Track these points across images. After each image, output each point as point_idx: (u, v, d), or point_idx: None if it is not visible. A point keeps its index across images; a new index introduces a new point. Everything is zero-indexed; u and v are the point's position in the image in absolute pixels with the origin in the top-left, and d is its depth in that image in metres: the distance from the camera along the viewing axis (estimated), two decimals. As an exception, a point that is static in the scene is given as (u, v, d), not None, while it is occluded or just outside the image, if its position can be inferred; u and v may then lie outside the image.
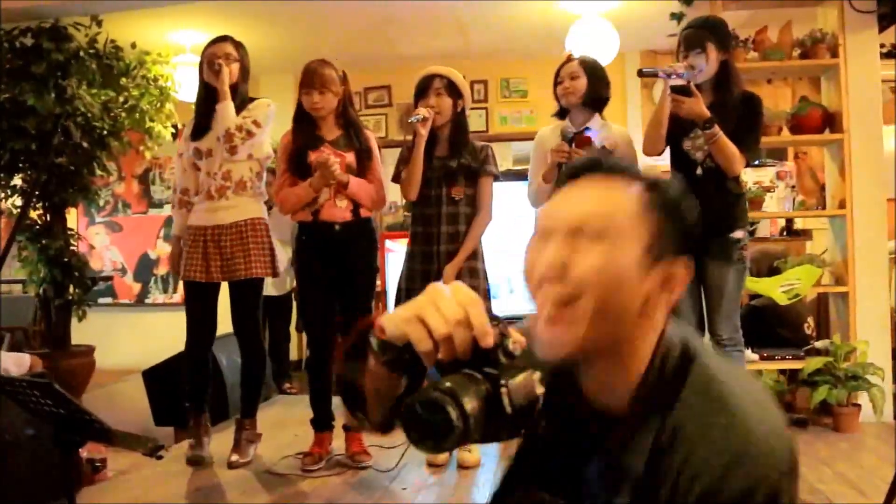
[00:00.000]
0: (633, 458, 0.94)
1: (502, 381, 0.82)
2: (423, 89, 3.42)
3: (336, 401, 3.56)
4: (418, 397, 0.80)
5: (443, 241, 3.40)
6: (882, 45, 4.38)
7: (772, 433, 0.90)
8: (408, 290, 3.47)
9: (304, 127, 3.47)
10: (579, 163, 1.04)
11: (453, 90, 3.43)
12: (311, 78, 3.38)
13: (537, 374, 0.85)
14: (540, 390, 0.85)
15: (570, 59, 3.46)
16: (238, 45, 3.54)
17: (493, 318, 0.87)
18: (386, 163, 3.63)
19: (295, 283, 5.80)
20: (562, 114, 3.49)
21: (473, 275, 3.42)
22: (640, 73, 3.35)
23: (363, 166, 3.46)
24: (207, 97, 3.51)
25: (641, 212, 0.96)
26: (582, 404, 1.02)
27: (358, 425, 0.99)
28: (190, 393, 3.62)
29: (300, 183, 3.42)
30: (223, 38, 3.53)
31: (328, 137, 3.44)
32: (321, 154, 3.35)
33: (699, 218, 1.03)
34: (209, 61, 3.45)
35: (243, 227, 3.50)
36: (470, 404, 0.79)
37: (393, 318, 0.87)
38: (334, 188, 3.39)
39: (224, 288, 3.57)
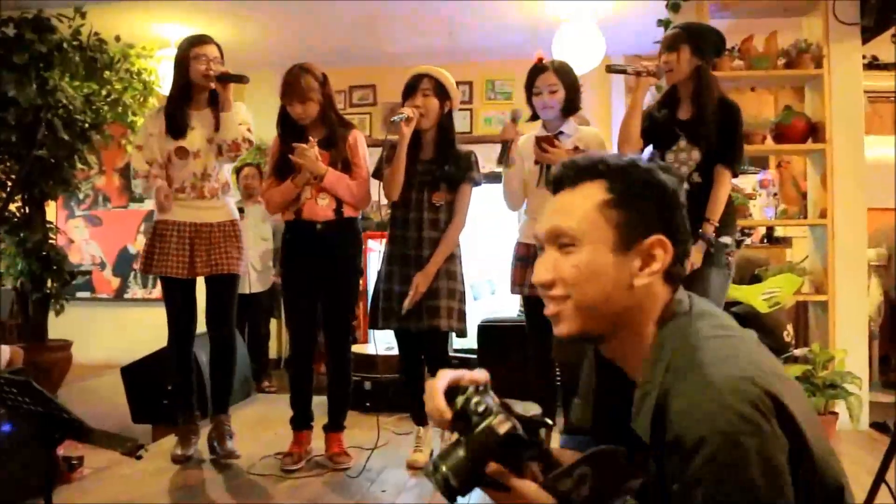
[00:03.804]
0: (644, 419, 1.07)
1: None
2: (411, 89, 3.41)
3: (316, 400, 3.54)
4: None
5: (424, 246, 3.37)
6: (863, 57, 4.42)
7: (725, 388, 0.98)
8: (385, 291, 3.45)
9: (289, 130, 3.45)
10: (554, 177, 1.18)
11: (441, 91, 3.41)
12: (291, 89, 3.36)
13: (498, 418, 1.05)
14: (503, 429, 1.05)
15: (541, 61, 3.42)
16: (218, 46, 3.50)
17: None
18: (370, 162, 3.61)
19: (273, 280, 5.81)
20: (535, 117, 3.47)
21: (451, 277, 3.41)
22: (609, 69, 3.37)
23: (347, 164, 3.44)
24: (186, 95, 3.47)
25: (601, 214, 1.12)
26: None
27: None
28: (178, 390, 3.60)
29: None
30: (207, 40, 3.46)
31: (314, 139, 3.41)
32: (300, 146, 3.32)
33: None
34: (219, 74, 3.37)
35: (229, 227, 3.53)
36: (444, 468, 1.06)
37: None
38: (315, 185, 3.38)
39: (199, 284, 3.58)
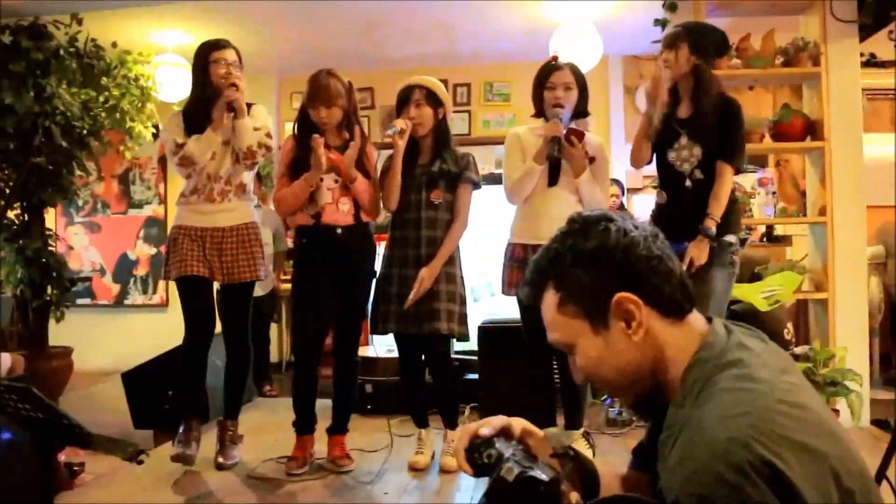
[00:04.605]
0: (661, 446, 1.11)
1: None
2: (404, 100, 3.42)
3: (320, 403, 3.53)
4: None
5: (423, 246, 3.38)
6: (861, 55, 4.42)
7: (711, 449, 0.96)
8: (384, 293, 3.45)
9: (307, 134, 3.39)
10: (525, 295, 1.27)
11: (433, 99, 3.42)
12: (319, 93, 3.35)
13: (506, 467, 1.11)
14: (512, 476, 1.10)
15: (555, 60, 3.44)
16: (236, 50, 3.47)
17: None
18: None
19: (274, 285, 5.80)
20: (540, 114, 3.48)
21: (451, 280, 3.41)
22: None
23: (364, 172, 3.42)
24: (207, 99, 3.43)
25: (563, 314, 1.18)
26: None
27: None
28: (185, 393, 3.57)
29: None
30: (225, 44, 3.44)
31: (331, 145, 3.39)
32: (314, 140, 3.27)
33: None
34: (232, 80, 3.35)
35: (243, 231, 3.49)
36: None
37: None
38: (339, 191, 3.37)
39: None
